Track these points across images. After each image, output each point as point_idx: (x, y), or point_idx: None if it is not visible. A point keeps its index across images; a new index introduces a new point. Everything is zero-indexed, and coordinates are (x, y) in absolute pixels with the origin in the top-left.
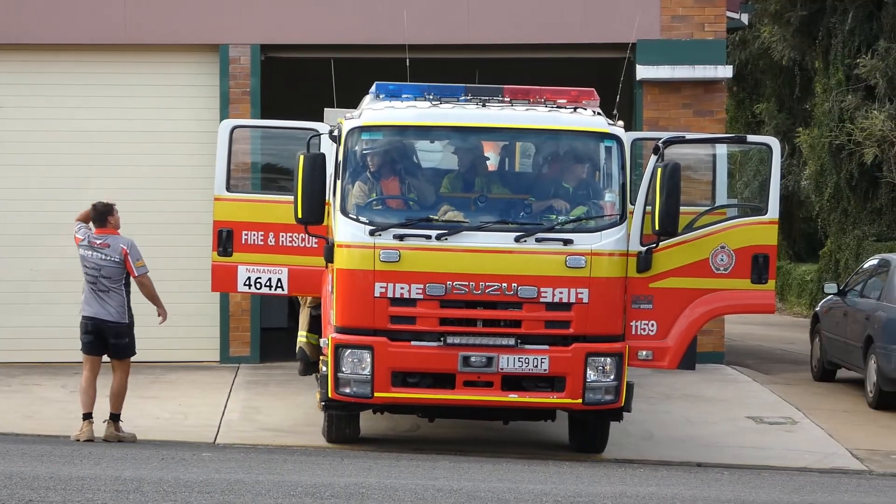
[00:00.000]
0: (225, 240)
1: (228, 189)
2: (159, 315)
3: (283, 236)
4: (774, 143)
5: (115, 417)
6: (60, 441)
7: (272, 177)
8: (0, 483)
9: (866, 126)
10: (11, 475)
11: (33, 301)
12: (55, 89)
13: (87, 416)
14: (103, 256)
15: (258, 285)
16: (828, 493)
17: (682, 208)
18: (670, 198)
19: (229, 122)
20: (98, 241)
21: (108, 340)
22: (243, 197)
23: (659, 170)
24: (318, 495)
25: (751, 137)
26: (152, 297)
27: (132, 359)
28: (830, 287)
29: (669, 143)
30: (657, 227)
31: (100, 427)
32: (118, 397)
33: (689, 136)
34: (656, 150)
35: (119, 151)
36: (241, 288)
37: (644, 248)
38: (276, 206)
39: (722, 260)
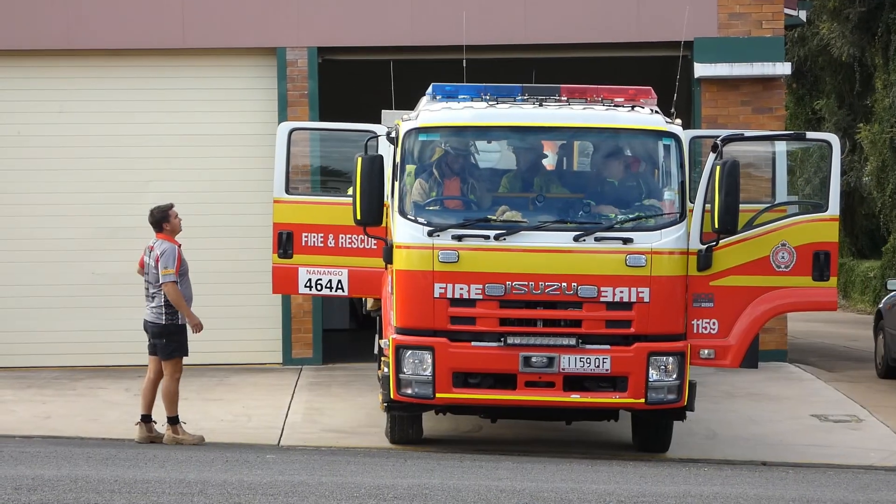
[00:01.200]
0: (285, 242)
1: (287, 191)
2: (190, 325)
3: (342, 238)
4: (834, 139)
5: (169, 420)
6: (125, 444)
7: (331, 179)
8: (66, 486)
9: None
10: (77, 479)
11: (95, 305)
12: (115, 94)
13: (144, 418)
14: (149, 261)
15: (319, 287)
16: (894, 490)
17: (742, 206)
18: (729, 195)
19: (287, 125)
20: (150, 246)
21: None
22: (302, 199)
23: (718, 167)
24: (381, 497)
25: (810, 134)
26: (177, 305)
27: (193, 361)
28: (894, 283)
29: (728, 140)
30: (717, 226)
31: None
32: (164, 398)
33: (748, 133)
34: (715, 148)
35: (178, 155)
36: (301, 290)
37: (704, 247)
38: (335, 208)
39: (783, 257)
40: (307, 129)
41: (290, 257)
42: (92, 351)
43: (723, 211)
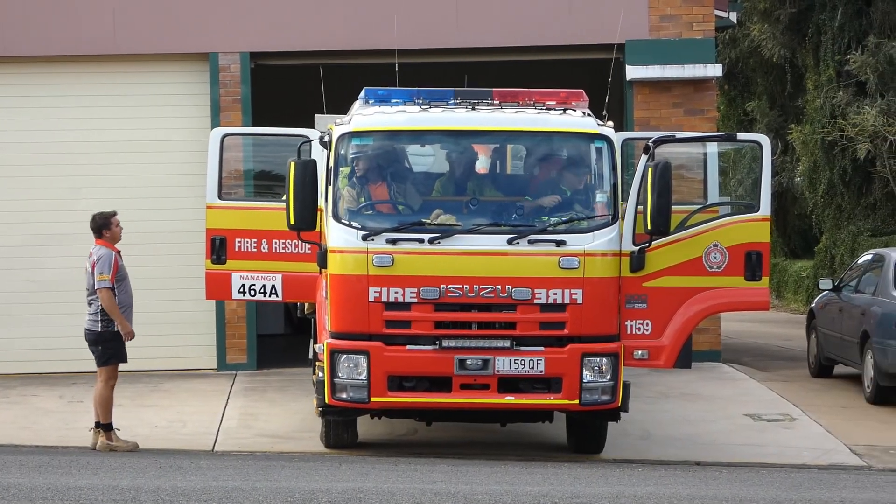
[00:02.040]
0: (218, 248)
1: (220, 197)
2: (123, 333)
3: (276, 243)
4: (765, 140)
5: (101, 426)
6: (58, 451)
7: (264, 184)
8: None
9: (858, 121)
10: (9, 486)
11: (28, 312)
12: (45, 101)
13: (96, 425)
14: (86, 267)
15: (253, 292)
16: (827, 489)
17: (674, 207)
18: (662, 197)
19: (220, 130)
20: (89, 252)
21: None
22: (235, 204)
23: (650, 169)
24: (314, 501)
25: (741, 135)
26: (110, 311)
27: (128, 367)
28: (826, 283)
29: (660, 142)
30: (649, 227)
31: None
32: (98, 405)
33: (679, 135)
34: (647, 150)
35: (110, 161)
36: (235, 295)
37: (637, 248)
38: (269, 213)
39: (715, 258)
40: (240, 133)
41: (224, 263)
42: (25, 358)
43: (655, 212)
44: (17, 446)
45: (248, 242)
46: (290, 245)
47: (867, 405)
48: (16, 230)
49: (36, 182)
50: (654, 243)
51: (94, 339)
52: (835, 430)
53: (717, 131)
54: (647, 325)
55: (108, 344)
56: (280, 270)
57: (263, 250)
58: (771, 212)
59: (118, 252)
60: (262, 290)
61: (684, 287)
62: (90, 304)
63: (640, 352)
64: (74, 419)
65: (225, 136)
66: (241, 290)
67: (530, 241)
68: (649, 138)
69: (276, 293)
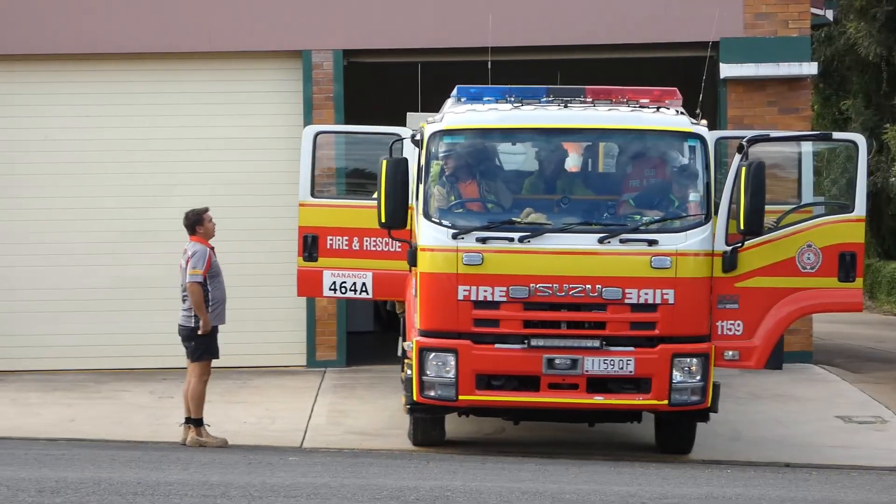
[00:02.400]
0: (310, 245)
1: (313, 194)
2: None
3: (367, 241)
4: (860, 139)
5: (191, 421)
6: (149, 446)
7: (356, 181)
8: (89, 489)
9: None
10: (100, 481)
11: (120, 308)
12: (140, 98)
13: (186, 420)
14: (181, 264)
15: (343, 290)
16: None
17: (767, 207)
18: (755, 196)
19: (313, 128)
20: (184, 249)
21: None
22: (327, 202)
23: (743, 169)
24: (403, 499)
25: (836, 134)
26: (196, 306)
27: (218, 364)
28: None
29: (754, 141)
30: (742, 227)
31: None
32: (191, 400)
33: (773, 134)
34: (741, 149)
35: (204, 159)
36: (326, 293)
37: (729, 248)
38: (360, 211)
39: (808, 258)
40: (332, 132)
41: (315, 260)
42: (117, 354)
43: (748, 212)
44: (109, 441)
45: (339, 240)
46: (381, 243)
47: None
48: (108, 227)
49: (129, 179)
50: (747, 243)
51: (187, 335)
52: None
53: (812, 130)
54: (739, 325)
55: (202, 340)
56: (370, 268)
57: (355, 248)
58: (865, 212)
59: (212, 248)
60: (352, 288)
61: (777, 288)
62: (184, 300)
63: (730, 352)
64: (165, 414)
65: (318, 133)
66: (332, 287)
67: (622, 241)
68: (743, 137)
69: (366, 291)
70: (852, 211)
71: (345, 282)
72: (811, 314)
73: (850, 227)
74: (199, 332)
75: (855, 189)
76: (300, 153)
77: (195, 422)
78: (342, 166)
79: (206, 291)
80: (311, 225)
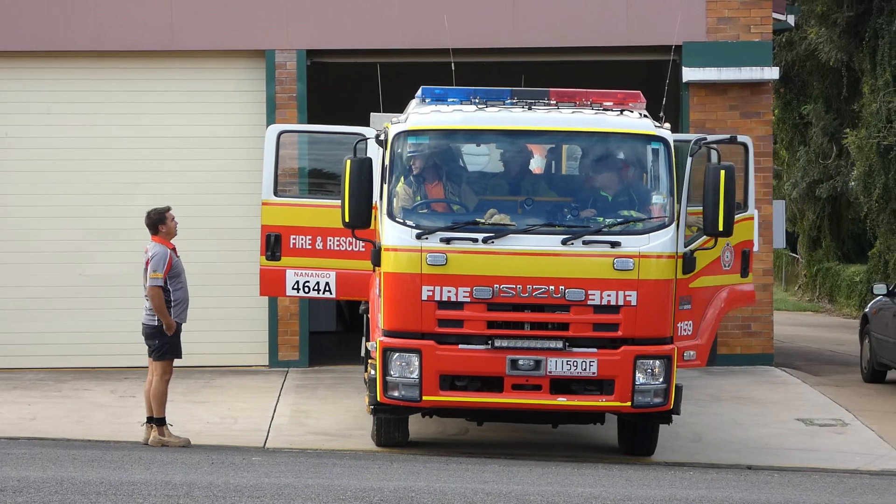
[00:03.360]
0: (273, 244)
1: (276, 194)
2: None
3: (330, 240)
4: (748, 140)
5: (153, 421)
6: (111, 446)
7: (319, 181)
8: (51, 488)
9: None
10: (62, 480)
11: (82, 306)
12: (102, 96)
13: (148, 420)
14: (143, 263)
15: (306, 289)
16: (878, 495)
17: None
18: (729, 198)
19: (276, 127)
20: (146, 248)
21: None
22: (290, 201)
23: (723, 172)
24: (366, 499)
25: (714, 137)
26: (157, 309)
27: (180, 363)
28: (880, 288)
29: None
30: (721, 228)
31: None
32: (153, 399)
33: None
34: (693, 152)
35: (166, 157)
36: (289, 292)
37: (689, 250)
38: (324, 211)
39: (727, 257)
40: (296, 131)
41: (278, 259)
42: (78, 352)
43: (726, 213)
44: (70, 440)
45: (302, 239)
46: (345, 242)
47: None
48: (71, 225)
49: (91, 177)
50: (694, 244)
51: (151, 334)
52: (887, 435)
53: (774, 134)
54: (689, 325)
55: (165, 338)
56: (334, 268)
57: (318, 247)
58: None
59: (174, 248)
60: (315, 287)
61: (713, 286)
62: (146, 299)
63: (689, 353)
64: (126, 413)
65: (281, 132)
66: (296, 286)
67: (585, 242)
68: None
69: (329, 290)
70: (746, 210)
71: (308, 281)
72: (729, 310)
73: (745, 226)
74: (165, 332)
75: (746, 189)
76: (263, 152)
77: (157, 421)
78: (305, 166)
79: (168, 294)
80: (273, 224)
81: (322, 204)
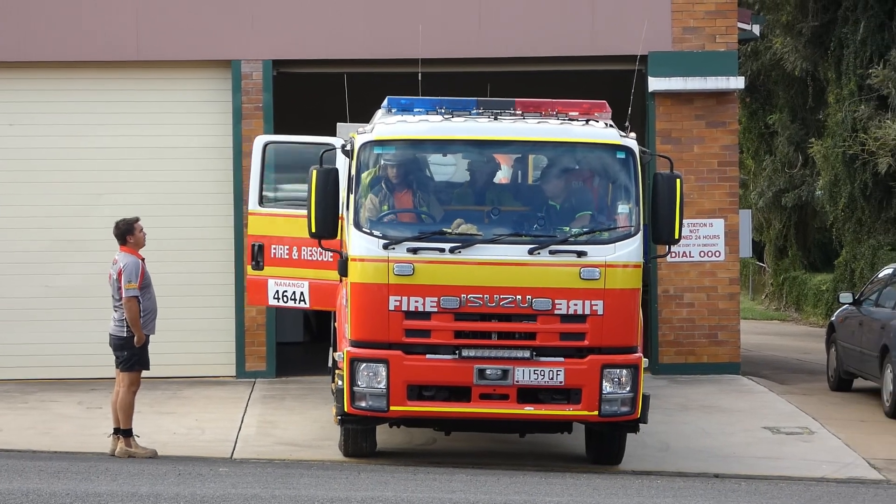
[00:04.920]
0: (256, 254)
1: (261, 204)
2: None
3: (304, 250)
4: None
5: (120, 432)
6: (77, 457)
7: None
8: (17, 500)
9: (880, 135)
10: (28, 492)
11: (48, 318)
12: (67, 106)
13: (115, 431)
14: (111, 274)
15: (285, 299)
16: (844, 503)
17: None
18: (681, 207)
19: (263, 138)
20: (114, 259)
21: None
22: (272, 212)
23: (678, 181)
24: None
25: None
26: (131, 321)
27: (146, 374)
28: (846, 297)
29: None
30: (677, 236)
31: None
32: (120, 411)
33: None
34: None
35: (132, 168)
36: (270, 301)
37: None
38: (298, 221)
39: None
40: (282, 142)
41: (262, 269)
42: (44, 364)
43: (680, 223)
44: (36, 452)
45: (281, 249)
46: (317, 252)
47: (886, 419)
48: (36, 236)
49: (57, 188)
50: None
51: (119, 345)
52: (853, 443)
53: (739, 144)
54: None
55: (134, 350)
56: (307, 277)
57: (294, 257)
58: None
59: (143, 259)
60: (292, 297)
61: None
62: (116, 310)
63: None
64: (93, 425)
65: (268, 143)
66: (276, 296)
67: (551, 252)
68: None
69: (304, 300)
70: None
71: (286, 290)
72: None
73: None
74: (136, 344)
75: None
76: (251, 162)
77: (124, 432)
78: (276, 176)
79: (138, 304)
80: (258, 234)
81: (296, 214)
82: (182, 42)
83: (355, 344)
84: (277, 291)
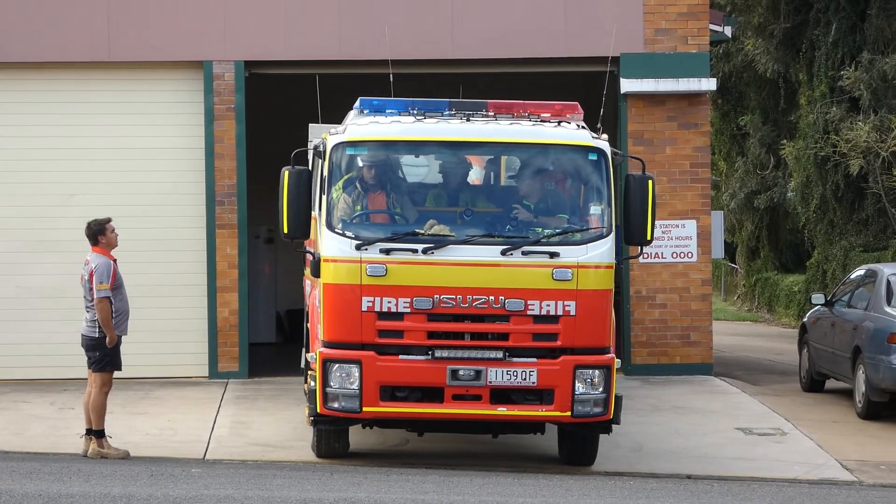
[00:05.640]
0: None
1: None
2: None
3: None
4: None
5: (93, 433)
6: (49, 458)
7: None
8: None
9: (851, 137)
10: (0, 493)
11: (20, 318)
12: (38, 107)
13: (87, 432)
14: (82, 275)
15: None
16: (818, 503)
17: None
18: (654, 208)
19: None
20: (86, 260)
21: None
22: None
23: (650, 182)
24: None
25: None
26: (103, 321)
27: (119, 375)
28: (818, 298)
29: None
30: (649, 237)
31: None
32: (92, 411)
33: None
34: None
35: (103, 169)
36: None
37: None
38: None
39: None
40: None
41: None
42: (17, 364)
43: (652, 224)
44: (8, 452)
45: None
46: None
47: (858, 420)
48: (7, 237)
49: (27, 189)
50: None
51: (91, 346)
52: (826, 444)
53: (711, 145)
54: None
55: (105, 350)
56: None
57: None
58: None
59: (115, 260)
60: None
61: None
62: (88, 311)
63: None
64: (66, 426)
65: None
66: None
67: (524, 253)
68: None
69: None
70: None
71: None
72: None
73: None
74: (108, 345)
75: None
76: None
77: (96, 433)
78: None
79: (109, 305)
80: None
81: None
82: (154, 43)
83: (328, 345)
84: None
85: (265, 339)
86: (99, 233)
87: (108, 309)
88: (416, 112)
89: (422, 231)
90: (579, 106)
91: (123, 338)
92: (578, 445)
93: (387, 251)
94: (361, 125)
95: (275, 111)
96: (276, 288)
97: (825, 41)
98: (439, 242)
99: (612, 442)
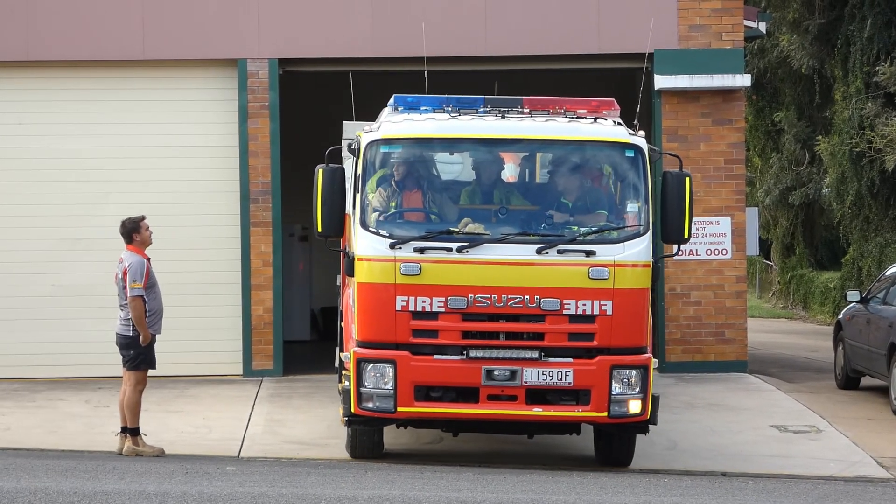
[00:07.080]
0: None
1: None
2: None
3: None
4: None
5: (127, 431)
6: (84, 456)
7: None
8: (25, 499)
9: (887, 133)
10: (36, 491)
11: (55, 317)
12: (74, 105)
13: (122, 430)
14: (116, 273)
15: None
16: (853, 501)
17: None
18: (691, 206)
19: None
20: (120, 258)
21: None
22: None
23: (687, 179)
24: None
25: None
26: (136, 320)
27: (153, 373)
28: (853, 295)
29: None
30: (686, 235)
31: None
32: (126, 409)
33: None
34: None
35: (139, 167)
36: None
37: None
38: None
39: None
40: None
41: None
42: (52, 363)
43: (690, 222)
44: (44, 451)
45: None
46: None
47: (893, 417)
48: (44, 235)
49: (63, 187)
50: None
51: (125, 344)
52: (861, 442)
53: (745, 142)
54: None
55: (139, 348)
56: None
57: None
58: None
59: (148, 259)
60: None
61: None
62: (122, 309)
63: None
64: (101, 424)
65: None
66: None
67: (560, 252)
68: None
69: None
70: None
71: None
72: None
73: None
74: (141, 343)
75: None
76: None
77: (131, 431)
78: None
79: (143, 304)
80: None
81: None
82: (188, 41)
83: (362, 344)
84: None
85: (300, 336)
86: (133, 231)
87: (142, 307)
88: (450, 109)
89: (456, 229)
90: (616, 102)
91: (158, 336)
92: (615, 446)
93: (421, 250)
94: (396, 122)
95: (309, 109)
96: (310, 285)
97: (860, 37)
98: (474, 241)
99: (647, 440)
